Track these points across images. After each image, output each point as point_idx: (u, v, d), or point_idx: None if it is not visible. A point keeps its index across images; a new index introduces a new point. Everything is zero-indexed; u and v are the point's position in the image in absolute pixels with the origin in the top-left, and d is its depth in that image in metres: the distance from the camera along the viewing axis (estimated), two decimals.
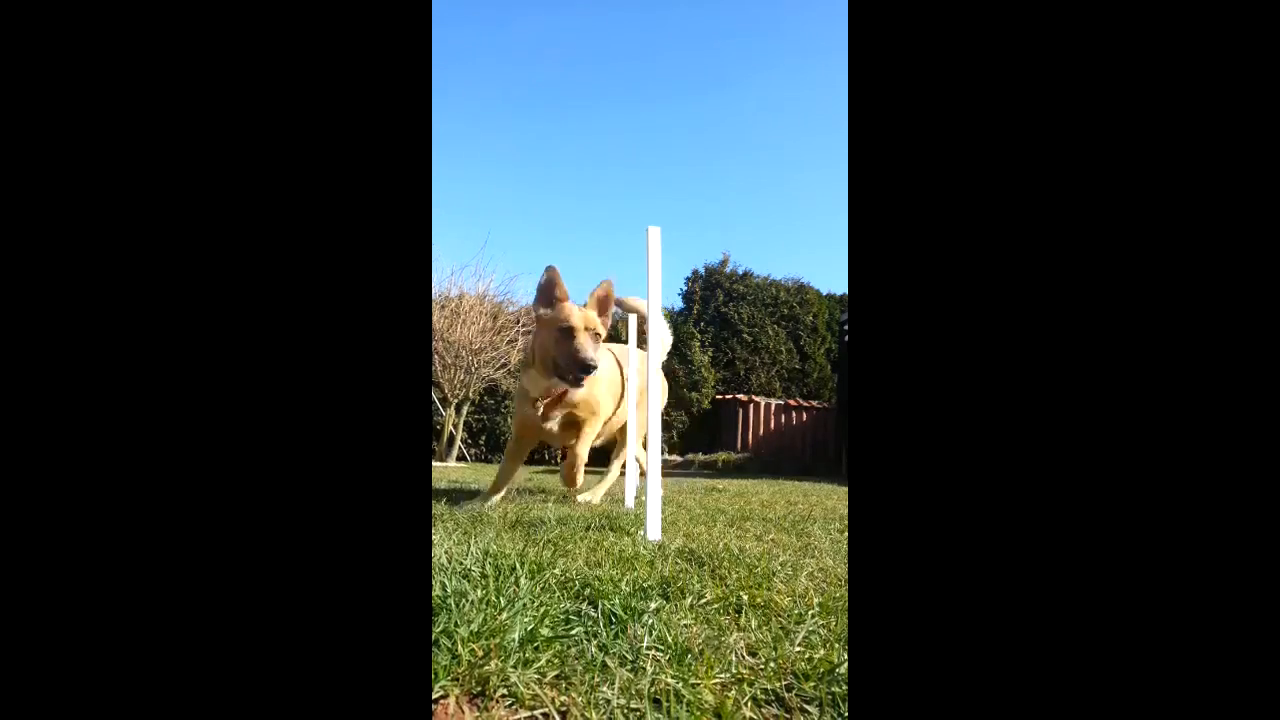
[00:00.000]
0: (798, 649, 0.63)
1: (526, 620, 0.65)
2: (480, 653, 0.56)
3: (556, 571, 0.90)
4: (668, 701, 0.50)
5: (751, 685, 0.54)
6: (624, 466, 2.23)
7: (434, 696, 0.50)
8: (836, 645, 0.64)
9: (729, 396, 7.58)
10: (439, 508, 1.80)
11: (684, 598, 0.81)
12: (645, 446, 2.33)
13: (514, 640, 0.59)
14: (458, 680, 0.52)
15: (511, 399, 7.46)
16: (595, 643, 0.62)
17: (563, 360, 1.84)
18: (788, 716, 0.51)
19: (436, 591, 0.72)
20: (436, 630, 0.60)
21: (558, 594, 0.79)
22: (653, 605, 0.75)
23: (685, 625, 0.70)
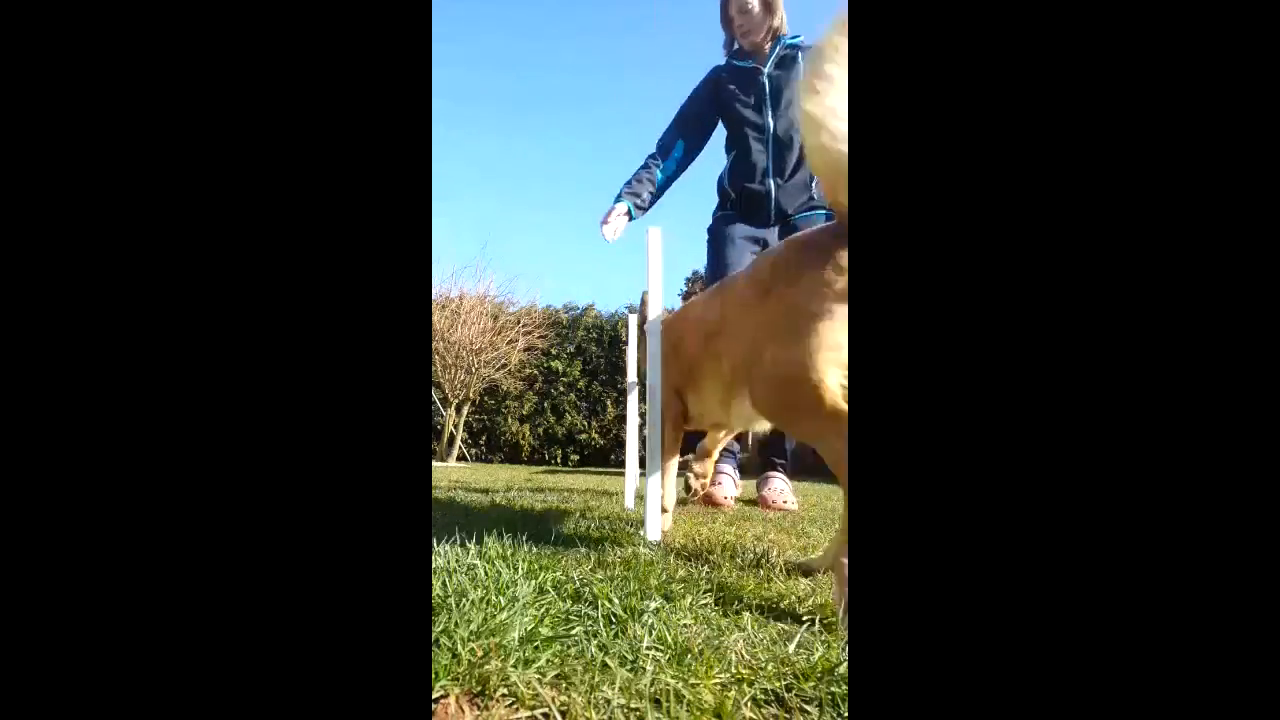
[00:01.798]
0: (797, 649, 0.63)
1: (526, 620, 0.65)
2: (480, 652, 0.56)
3: (556, 572, 0.90)
4: (668, 701, 0.50)
5: (751, 685, 0.54)
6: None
7: (434, 696, 0.50)
8: (836, 645, 0.64)
9: None
10: (439, 508, 1.81)
11: (684, 598, 0.81)
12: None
13: (514, 640, 0.59)
14: (458, 680, 0.52)
15: (511, 400, 7.51)
16: (595, 642, 0.62)
17: None
18: (787, 716, 0.51)
19: (437, 590, 0.73)
20: (436, 630, 0.60)
21: (557, 594, 0.79)
22: (653, 605, 0.75)
23: (685, 625, 0.70)
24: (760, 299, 0.85)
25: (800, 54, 2.20)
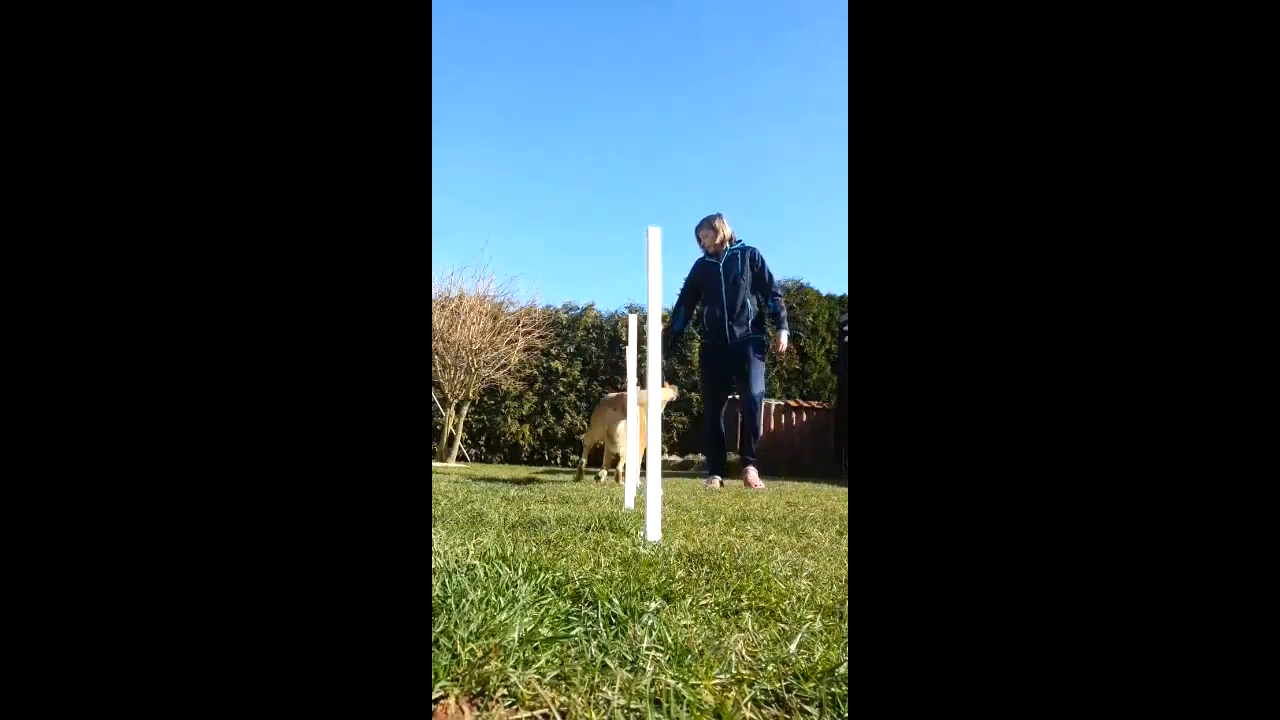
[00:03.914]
0: (797, 649, 0.63)
1: (526, 620, 0.65)
2: (480, 653, 0.56)
3: (556, 572, 0.90)
4: (668, 702, 0.50)
5: (751, 685, 0.54)
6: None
7: (434, 696, 0.50)
8: (836, 645, 0.64)
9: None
10: (439, 508, 1.81)
11: (684, 598, 0.81)
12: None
13: (514, 640, 0.59)
14: (458, 680, 0.52)
15: (511, 400, 7.56)
16: (595, 643, 0.62)
17: None
18: (788, 717, 0.51)
19: (436, 591, 0.73)
20: (436, 630, 0.60)
21: (557, 594, 0.79)
22: (653, 606, 0.75)
23: (685, 626, 0.70)
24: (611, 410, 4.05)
25: (740, 253, 4.08)
